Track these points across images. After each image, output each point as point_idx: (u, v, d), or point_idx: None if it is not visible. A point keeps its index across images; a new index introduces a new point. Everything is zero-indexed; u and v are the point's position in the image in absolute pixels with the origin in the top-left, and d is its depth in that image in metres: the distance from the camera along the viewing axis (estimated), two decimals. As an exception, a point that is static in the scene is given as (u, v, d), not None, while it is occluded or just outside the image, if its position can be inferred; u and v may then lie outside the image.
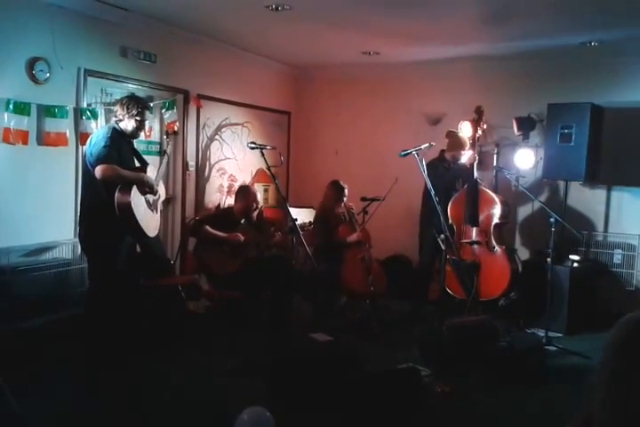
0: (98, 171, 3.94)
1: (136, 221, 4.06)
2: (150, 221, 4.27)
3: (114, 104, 4.28)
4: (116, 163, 3.99)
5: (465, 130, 5.96)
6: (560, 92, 6.10)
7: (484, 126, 5.83)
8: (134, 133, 4.31)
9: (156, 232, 4.46)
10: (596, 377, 1.39)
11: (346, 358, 3.94)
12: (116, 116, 4.21)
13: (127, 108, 4.17)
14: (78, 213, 4.49)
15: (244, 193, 5.30)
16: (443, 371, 4.11)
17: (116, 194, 3.99)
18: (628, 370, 1.30)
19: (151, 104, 5.53)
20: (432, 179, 4.66)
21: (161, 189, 4.50)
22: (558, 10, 4.68)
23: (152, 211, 4.33)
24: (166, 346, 4.61)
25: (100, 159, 3.96)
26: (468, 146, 5.74)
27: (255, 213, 5.34)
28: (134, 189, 4.08)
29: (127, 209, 4.01)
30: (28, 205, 4.60)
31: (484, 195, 5.60)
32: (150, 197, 4.31)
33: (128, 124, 4.20)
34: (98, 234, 4.10)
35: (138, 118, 4.21)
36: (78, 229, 4.37)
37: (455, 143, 5.71)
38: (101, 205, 4.02)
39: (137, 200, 4.10)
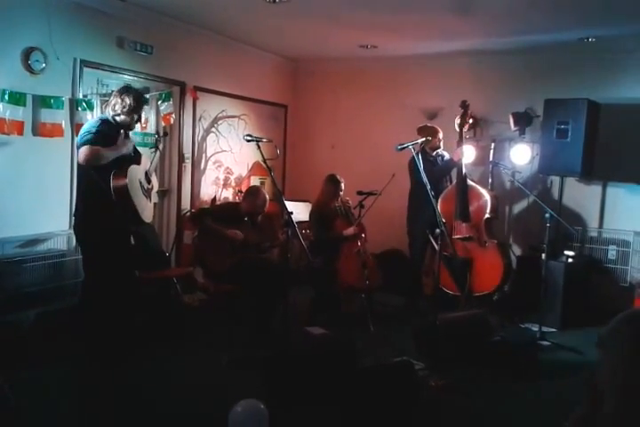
0: (79, 155, 3.92)
1: (133, 204, 4.04)
2: (145, 208, 4.26)
3: (111, 96, 4.22)
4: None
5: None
6: (557, 87, 6.10)
7: (470, 121, 5.85)
8: (131, 127, 4.29)
9: (151, 219, 4.47)
10: (604, 377, 1.38)
11: (341, 352, 3.95)
12: (113, 110, 4.13)
13: (126, 103, 4.11)
14: (74, 204, 4.48)
15: (255, 196, 5.25)
16: (437, 365, 4.13)
17: (112, 178, 3.96)
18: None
19: (147, 95, 5.54)
20: (417, 173, 4.65)
21: (154, 181, 4.50)
22: (556, 5, 4.67)
23: (147, 198, 4.32)
24: (161, 339, 4.61)
25: (82, 143, 3.92)
26: (441, 132, 5.77)
27: (260, 217, 5.32)
28: (129, 173, 4.05)
29: (123, 192, 3.99)
30: (22, 196, 4.58)
31: (473, 190, 5.62)
32: (145, 184, 4.30)
33: (125, 118, 4.16)
34: (94, 224, 4.07)
35: (135, 115, 4.19)
36: (73, 219, 4.34)
37: (428, 133, 5.70)
38: (97, 193, 4.00)
39: (132, 184, 4.08)
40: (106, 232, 4.07)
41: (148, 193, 4.34)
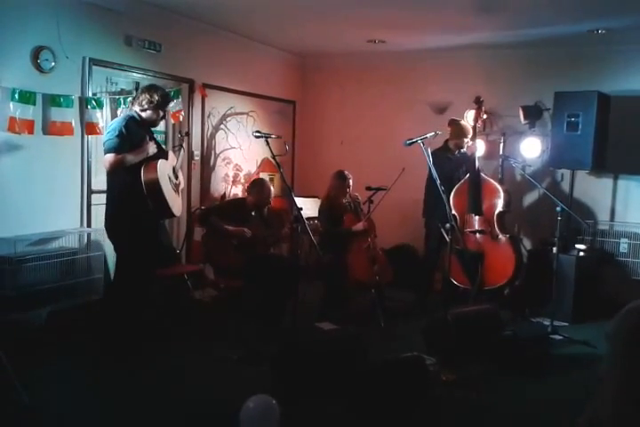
0: (104, 161, 4.11)
1: (164, 197, 4.13)
2: (175, 201, 4.36)
3: (140, 92, 4.34)
4: (126, 152, 4.06)
5: (471, 119, 5.94)
6: (567, 80, 6.07)
7: (484, 116, 5.83)
8: (156, 123, 4.42)
9: (180, 213, 4.59)
10: (605, 367, 1.38)
11: (351, 347, 3.95)
12: (140, 105, 4.24)
13: (154, 98, 4.22)
14: (85, 202, 4.64)
15: (260, 187, 5.25)
16: (448, 360, 4.12)
17: (142, 173, 4.07)
18: None
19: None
20: (434, 168, 4.66)
21: (181, 177, 4.62)
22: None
23: (175, 193, 4.40)
24: (172, 335, 4.63)
25: (107, 149, 4.07)
26: (472, 134, 5.74)
27: (266, 209, 5.33)
28: (159, 167, 4.13)
29: (155, 185, 4.09)
30: (34, 195, 4.61)
31: (486, 184, 5.60)
32: (173, 179, 4.40)
33: (151, 114, 4.28)
34: (124, 219, 4.15)
35: (161, 112, 4.32)
36: (105, 216, 4.36)
37: (458, 131, 5.71)
38: (129, 190, 4.09)
39: (162, 178, 4.17)
40: (136, 229, 4.15)
41: (176, 188, 4.45)
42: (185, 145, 5.07)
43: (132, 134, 4.14)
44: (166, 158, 4.40)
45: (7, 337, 3.76)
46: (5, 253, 4.30)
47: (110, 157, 4.03)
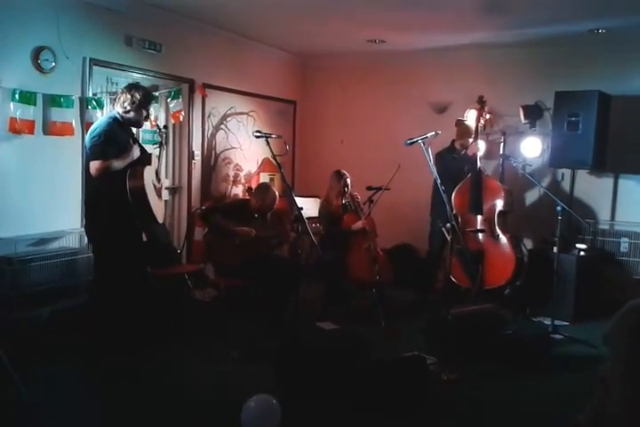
0: (91, 168, 3.99)
1: (148, 204, 4.08)
2: (158, 207, 4.29)
3: (120, 93, 4.23)
4: (113, 157, 3.99)
5: (471, 118, 5.95)
6: (567, 79, 6.06)
7: (487, 116, 5.83)
8: (140, 123, 4.33)
9: (162, 219, 4.50)
10: (608, 367, 1.38)
11: (352, 347, 3.95)
12: (122, 107, 4.15)
13: (136, 98, 4.12)
14: (83, 203, 4.54)
15: (264, 193, 5.20)
16: (448, 359, 4.12)
17: (128, 179, 4.00)
18: None
19: (156, 93, 5.56)
20: (439, 168, 4.67)
21: (162, 178, 4.54)
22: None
23: (158, 198, 4.35)
24: (173, 334, 4.63)
25: (93, 155, 3.98)
26: (474, 136, 5.75)
27: (269, 214, 5.31)
28: (145, 174, 4.08)
29: (140, 192, 4.03)
30: (34, 195, 4.61)
31: (487, 183, 5.61)
32: (156, 184, 4.33)
33: (134, 115, 4.18)
34: (104, 222, 4.09)
35: (144, 111, 4.22)
36: (84, 218, 4.35)
37: (464, 131, 5.73)
38: (108, 193, 4.03)
39: (147, 185, 4.12)
40: (118, 232, 4.10)
41: (159, 192, 4.38)
42: (164, 140, 4.87)
43: (117, 138, 4.06)
44: (150, 163, 4.29)
45: (8, 337, 3.76)
46: (6, 254, 4.31)
47: (97, 163, 3.93)
